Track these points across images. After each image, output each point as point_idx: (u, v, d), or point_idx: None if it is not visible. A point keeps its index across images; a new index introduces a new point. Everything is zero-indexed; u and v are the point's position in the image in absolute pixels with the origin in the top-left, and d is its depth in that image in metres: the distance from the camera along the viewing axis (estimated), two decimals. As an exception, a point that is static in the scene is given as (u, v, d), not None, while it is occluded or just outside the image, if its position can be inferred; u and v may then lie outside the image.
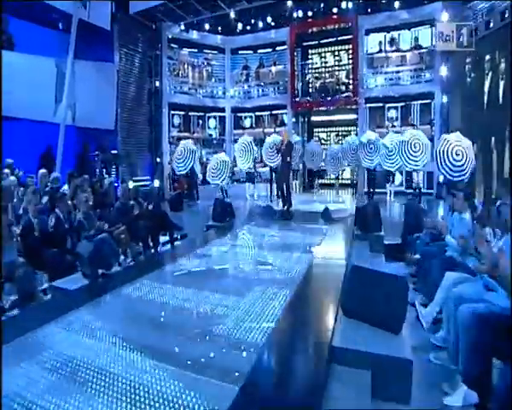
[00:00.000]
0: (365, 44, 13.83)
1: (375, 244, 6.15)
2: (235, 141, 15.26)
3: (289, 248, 5.67)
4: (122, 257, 5.36)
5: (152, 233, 6.33)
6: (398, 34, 14.10)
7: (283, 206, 8.88)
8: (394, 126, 13.77)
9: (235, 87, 15.29)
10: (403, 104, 14.00)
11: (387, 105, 14.22)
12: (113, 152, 10.59)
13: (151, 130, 12.52)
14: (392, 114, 14.26)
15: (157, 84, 12.59)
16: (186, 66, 14.35)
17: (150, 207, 6.59)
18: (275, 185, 12.24)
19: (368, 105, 13.82)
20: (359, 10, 13.37)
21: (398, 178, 13.53)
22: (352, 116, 15.74)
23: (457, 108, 12.06)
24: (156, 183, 12.14)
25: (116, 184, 9.51)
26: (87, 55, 8.99)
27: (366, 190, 12.45)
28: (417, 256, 4.79)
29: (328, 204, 8.31)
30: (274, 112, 15.40)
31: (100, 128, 9.97)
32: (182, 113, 14.86)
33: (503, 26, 10.22)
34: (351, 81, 13.93)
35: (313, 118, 16.38)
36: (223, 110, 15.27)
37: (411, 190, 12.84)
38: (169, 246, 6.76)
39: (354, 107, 13.96)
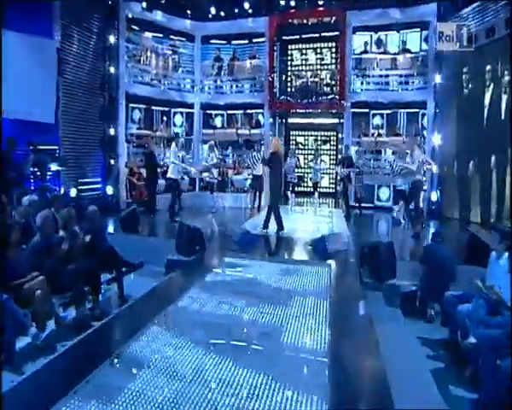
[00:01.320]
0: (352, 43, 12.50)
1: (391, 296, 4.75)
2: (205, 141, 13.49)
3: (283, 324, 3.99)
4: (34, 329, 3.51)
5: (89, 278, 4.50)
6: (386, 35, 12.94)
7: (278, 229, 7.46)
8: (380, 135, 12.59)
9: (205, 81, 13.45)
10: (389, 112, 12.87)
11: (372, 112, 13.04)
12: (53, 151, 8.47)
13: (104, 125, 10.43)
14: (377, 121, 13.10)
15: (112, 70, 10.50)
16: (149, 52, 12.33)
17: (88, 238, 4.75)
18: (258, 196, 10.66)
19: (352, 110, 12.51)
20: (348, 5, 12.01)
21: (385, 192, 12.38)
22: (333, 121, 14.48)
23: (452, 121, 11.03)
24: (109, 190, 10.11)
25: (55, 192, 7.50)
26: (14, 25, 6.88)
27: (347, 203, 10.83)
28: (471, 341, 3.35)
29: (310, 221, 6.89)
30: (249, 111, 13.74)
31: (34, 121, 7.85)
32: (143, 106, 12.83)
33: (507, 35, 9.22)
34: (337, 82, 12.55)
35: (290, 120, 14.95)
36: (191, 106, 13.39)
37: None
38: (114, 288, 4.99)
39: (337, 111, 12.60)
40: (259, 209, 10.11)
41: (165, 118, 12.93)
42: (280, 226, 7.51)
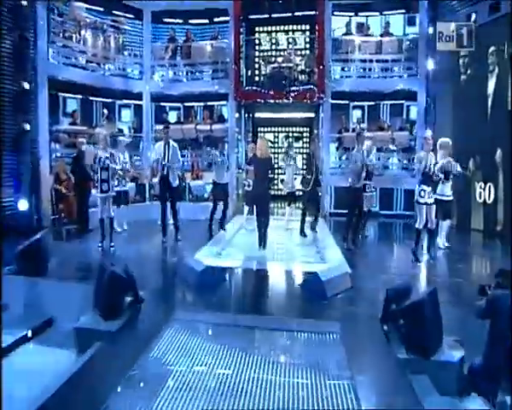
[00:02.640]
0: (331, 25, 10.68)
1: (442, 378, 2.89)
2: (157, 140, 11.15)
3: None
4: None
5: None
6: (366, 18, 11.29)
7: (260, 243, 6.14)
8: (363, 130, 10.84)
9: (156, 66, 11.14)
10: (372, 103, 11.24)
11: (353, 103, 11.36)
12: None
13: (17, 118, 7.89)
14: (358, 114, 11.43)
15: (27, 47, 7.95)
16: (83, 28, 9.86)
17: None
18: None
19: (331, 101, 10.69)
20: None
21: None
22: (308, 115, 12.71)
23: (447, 113, 9.51)
24: (22, 205, 7.59)
25: None
26: None
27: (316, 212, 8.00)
28: None
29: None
30: (210, 103, 11.58)
31: None
32: (79, 96, 10.37)
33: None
34: (313, 69, 10.67)
35: (258, 114, 13.00)
36: (139, 97, 11.03)
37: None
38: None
39: (314, 102, 10.71)
40: (223, 226, 7.98)
41: (105, 111, 10.50)
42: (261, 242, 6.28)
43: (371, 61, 10.37)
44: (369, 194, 7.43)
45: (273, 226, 7.45)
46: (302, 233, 7.59)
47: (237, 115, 11.12)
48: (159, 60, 11.06)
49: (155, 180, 9.00)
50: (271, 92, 10.26)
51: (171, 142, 7.09)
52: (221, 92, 10.77)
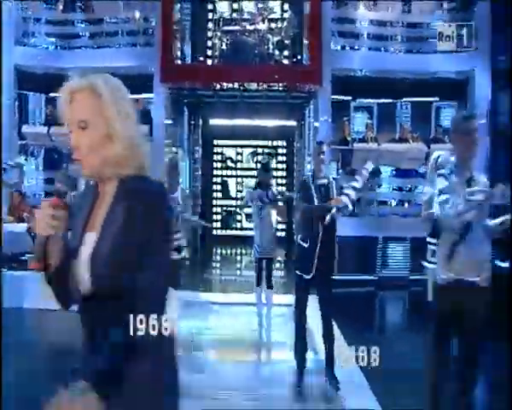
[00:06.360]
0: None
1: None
2: (26, 152, 6.15)
3: None
4: None
5: None
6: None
7: None
8: (376, 141, 6.65)
9: (33, 24, 6.42)
10: (388, 101, 7.19)
11: (354, 103, 7.27)
12: None
13: None
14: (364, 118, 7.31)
15: None
16: None
17: None
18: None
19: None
20: None
21: (397, 250, 6.24)
22: (287, 123, 8.63)
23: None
24: None
25: None
26: None
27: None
28: None
29: None
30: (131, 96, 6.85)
31: None
32: None
33: None
34: (303, 40, 6.40)
35: (213, 121, 9.13)
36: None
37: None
38: None
39: (302, 90, 6.38)
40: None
41: None
42: None
43: (391, 23, 6.29)
44: None
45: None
46: None
47: (169, 121, 6.45)
48: (35, 14, 6.34)
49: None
50: (230, 67, 5.80)
51: None
52: (142, 72, 6.13)
